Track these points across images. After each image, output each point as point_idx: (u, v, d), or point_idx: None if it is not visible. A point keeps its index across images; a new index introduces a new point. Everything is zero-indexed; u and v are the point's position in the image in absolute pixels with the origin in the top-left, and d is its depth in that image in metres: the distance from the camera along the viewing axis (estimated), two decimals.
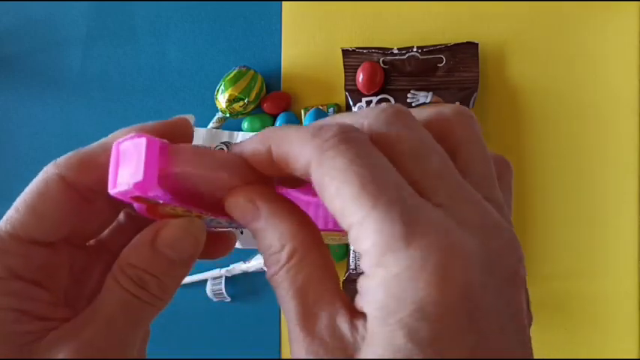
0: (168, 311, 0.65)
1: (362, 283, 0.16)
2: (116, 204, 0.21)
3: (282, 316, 0.57)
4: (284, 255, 0.17)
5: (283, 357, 0.57)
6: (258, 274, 0.57)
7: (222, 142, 0.57)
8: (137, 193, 0.17)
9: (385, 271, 0.15)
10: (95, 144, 0.21)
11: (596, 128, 0.51)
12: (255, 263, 0.56)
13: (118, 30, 0.61)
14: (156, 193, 0.17)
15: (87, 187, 0.20)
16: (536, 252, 0.52)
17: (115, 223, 0.23)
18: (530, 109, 0.52)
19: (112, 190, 0.18)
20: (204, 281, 0.58)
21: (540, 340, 0.53)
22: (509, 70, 0.53)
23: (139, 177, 0.17)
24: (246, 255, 0.57)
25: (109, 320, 0.19)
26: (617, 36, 0.51)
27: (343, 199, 0.15)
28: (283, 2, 0.56)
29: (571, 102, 0.52)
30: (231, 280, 0.58)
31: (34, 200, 0.20)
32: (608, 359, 0.51)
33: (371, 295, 0.15)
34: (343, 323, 0.16)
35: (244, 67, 0.56)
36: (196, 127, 0.57)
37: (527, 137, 0.52)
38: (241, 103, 0.54)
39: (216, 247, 0.23)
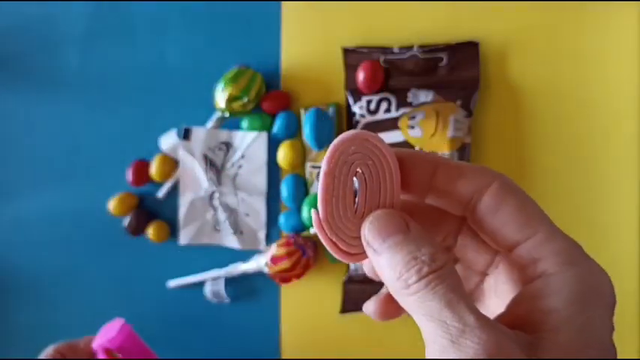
0: (168, 312, 0.64)
1: (547, 281, 0.19)
2: None
3: (282, 316, 0.57)
4: (439, 262, 0.19)
5: (283, 357, 0.57)
6: (258, 275, 0.57)
7: (221, 142, 0.57)
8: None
9: (582, 270, 0.19)
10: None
11: (596, 128, 0.51)
12: (255, 264, 0.56)
13: (117, 29, 0.61)
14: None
15: None
16: None
17: None
18: (531, 109, 0.52)
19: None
20: (204, 282, 0.58)
21: None
22: (510, 69, 0.52)
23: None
24: (246, 256, 0.57)
25: None
26: (617, 35, 0.51)
27: (527, 214, 0.20)
28: (283, 2, 0.56)
29: (572, 101, 0.52)
30: (230, 281, 0.58)
31: None
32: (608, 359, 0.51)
33: (562, 287, 0.19)
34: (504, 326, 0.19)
35: (244, 66, 0.55)
36: (195, 126, 0.57)
37: (528, 136, 0.52)
38: (241, 102, 0.54)
39: None
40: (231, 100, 0.54)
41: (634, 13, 0.51)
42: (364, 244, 0.20)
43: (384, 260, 0.19)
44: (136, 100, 0.60)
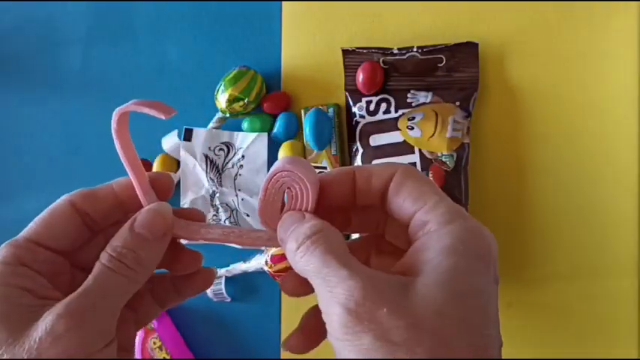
0: (169, 311, 0.64)
1: (428, 237, 0.24)
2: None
3: (283, 315, 0.57)
4: (314, 229, 0.25)
5: (283, 357, 0.57)
6: (258, 274, 0.57)
7: (222, 142, 0.57)
8: None
9: (455, 227, 0.24)
10: (102, 185, 0.29)
11: (595, 128, 0.52)
12: (255, 263, 0.56)
13: (118, 30, 0.61)
14: None
15: (90, 214, 0.28)
16: (537, 253, 0.52)
17: None
18: (530, 109, 0.52)
19: None
20: None
21: (540, 340, 0.53)
22: (510, 69, 0.53)
23: None
24: (246, 255, 0.57)
25: (84, 290, 0.24)
26: (617, 36, 0.51)
27: (422, 191, 0.25)
28: (283, 2, 0.56)
29: (571, 102, 0.52)
30: (231, 280, 0.58)
31: (47, 215, 0.27)
32: (608, 359, 0.51)
33: (437, 241, 0.23)
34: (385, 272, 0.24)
35: (244, 67, 0.56)
36: (196, 127, 0.57)
37: (526, 137, 0.52)
38: (241, 103, 0.54)
39: (180, 262, 0.30)
40: (231, 101, 0.54)
41: (634, 14, 0.51)
42: (279, 240, 0.28)
43: (287, 244, 0.26)
44: None
